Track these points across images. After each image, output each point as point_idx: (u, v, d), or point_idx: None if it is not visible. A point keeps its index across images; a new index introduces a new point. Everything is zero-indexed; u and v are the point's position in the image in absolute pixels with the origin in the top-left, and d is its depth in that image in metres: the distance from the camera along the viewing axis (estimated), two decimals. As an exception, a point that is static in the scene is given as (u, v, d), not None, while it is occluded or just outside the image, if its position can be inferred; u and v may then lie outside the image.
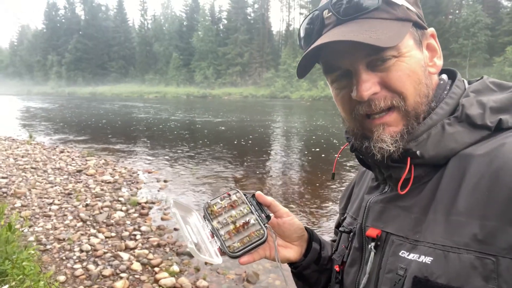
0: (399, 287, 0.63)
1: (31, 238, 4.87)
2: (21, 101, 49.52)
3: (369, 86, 0.65)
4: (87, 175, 8.58)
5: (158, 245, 4.97)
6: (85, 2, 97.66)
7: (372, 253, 0.70)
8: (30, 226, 5.31)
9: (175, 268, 4.30)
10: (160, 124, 21.23)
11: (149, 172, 9.29)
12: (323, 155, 11.90)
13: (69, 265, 4.31)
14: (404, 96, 0.65)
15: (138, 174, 9.06)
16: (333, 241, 0.99)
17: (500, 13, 53.60)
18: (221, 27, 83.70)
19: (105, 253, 4.64)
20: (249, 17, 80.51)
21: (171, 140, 14.95)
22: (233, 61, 73.89)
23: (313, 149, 12.98)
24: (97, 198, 6.81)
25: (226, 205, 0.81)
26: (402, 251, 0.65)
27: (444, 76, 0.75)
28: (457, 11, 58.37)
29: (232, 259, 0.75)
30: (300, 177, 9.06)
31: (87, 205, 6.39)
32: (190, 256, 4.65)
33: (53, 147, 12.62)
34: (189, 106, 38.66)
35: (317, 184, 8.37)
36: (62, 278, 3.96)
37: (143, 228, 5.49)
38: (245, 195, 0.83)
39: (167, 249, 4.88)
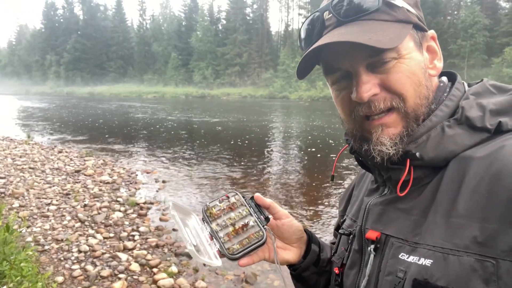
0: None
1: (29, 239, 4.86)
2: (19, 101, 49.40)
3: (369, 87, 0.65)
4: (85, 175, 8.56)
5: (157, 246, 4.96)
6: (84, 2, 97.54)
7: (372, 256, 0.70)
8: (28, 227, 5.29)
9: (174, 269, 4.29)
10: (159, 124, 21.22)
11: (147, 173, 9.28)
12: (318, 155, 11.98)
13: (67, 265, 4.30)
14: (404, 98, 0.65)
15: (137, 175, 9.04)
16: (333, 243, 0.99)
17: (498, 14, 53.82)
18: (220, 27, 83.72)
19: (103, 253, 4.63)
20: (248, 18, 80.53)
21: (170, 140, 14.95)
22: (232, 61, 73.90)
23: (309, 149, 13.07)
24: (95, 199, 6.79)
25: (225, 207, 0.81)
26: (401, 254, 0.64)
27: (444, 79, 0.75)
28: (455, 12, 58.55)
29: (231, 261, 0.75)
30: (296, 178, 9.06)
31: (85, 205, 6.37)
32: (189, 257, 4.65)
33: (51, 147, 12.59)
34: (188, 106, 38.65)
35: (314, 184, 8.39)
36: (60, 279, 3.95)
37: (141, 229, 5.48)
38: (244, 197, 0.83)
39: (166, 250, 4.87)
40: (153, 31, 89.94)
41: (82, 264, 4.34)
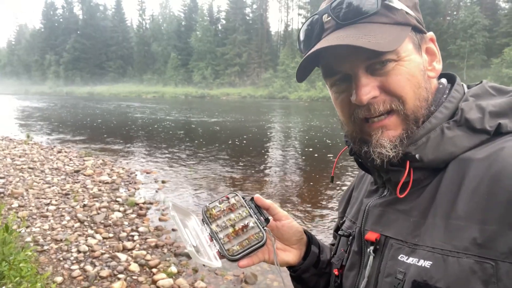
0: None
1: (28, 239, 4.85)
2: (18, 100, 49.34)
3: (368, 90, 0.65)
4: (84, 175, 8.56)
5: (156, 246, 4.96)
6: (83, 1, 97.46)
7: (371, 257, 0.70)
8: (27, 227, 5.29)
9: (173, 269, 4.29)
10: (158, 124, 21.22)
11: (147, 173, 9.28)
12: (316, 155, 12.05)
13: (66, 266, 4.30)
14: (404, 100, 0.65)
15: (136, 175, 9.04)
16: (332, 244, 0.99)
17: (498, 15, 53.88)
18: (220, 27, 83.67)
19: (102, 254, 4.62)
20: (247, 18, 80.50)
21: (169, 140, 14.95)
22: (232, 62, 73.87)
23: (306, 149, 13.16)
24: (94, 199, 6.79)
25: (225, 208, 0.81)
26: (401, 255, 0.65)
27: (444, 80, 0.75)
28: (455, 13, 58.59)
29: (231, 262, 0.75)
30: (294, 178, 9.07)
31: (84, 205, 6.37)
32: (188, 257, 4.64)
33: (51, 147, 12.58)
34: (188, 106, 38.63)
35: (312, 184, 8.41)
36: (59, 279, 3.94)
37: (141, 229, 5.47)
38: (243, 198, 0.83)
39: (165, 250, 4.87)
40: (153, 31, 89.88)
41: (81, 264, 4.34)
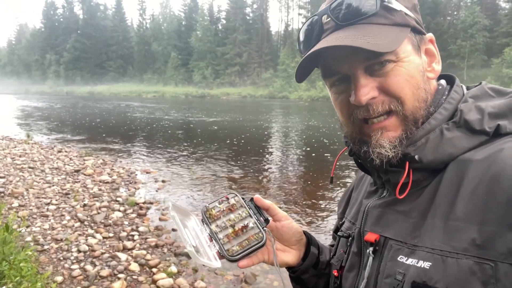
0: None
1: (29, 239, 4.86)
2: (19, 100, 49.35)
3: (367, 90, 0.65)
4: (85, 175, 8.56)
5: (156, 246, 4.96)
6: (84, 1, 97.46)
7: (371, 258, 0.70)
8: (27, 226, 5.29)
9: (173, 269, 4.29)
10: (158, 124, 21.23)
11: (147, 172, 9.28)
12: (313, 154, 12.12)
13: (66, 265, 4.30)
14: (402, 101, 0.65)
15: (136, 174, 9.04)
16: (331, 245, 0.99)
17: (498, 15, 53.84)
18: (220, 27, 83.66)
19: (102, 253, 4.63)
20: (247, 17, 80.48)
21: (169, 140, 14.96)
22: (232, 61, 73.85)
23: (303, 148, 13.23)
24: (95, 198, 6.79)
25: (224, 209, 0.81)
26: (400, 256, 0.65)
27: (443, 82, 0.75)
28: (455, 13, 58.56)
29: (230, 262, 0.75)
30: (291, 178, 9.08)
31: (85, 205, 6.37)
32: (188, 257, 4.65)
33: (51, 147, 12.58)
34: (188, 106, 38.64)
35: (309, 183, 8.45)
36: (59, 278, 3.95)
37: (141, 229, 5.48)
38: (243, 198, 0.83)
39: (165, 250, 4.87)
40: (153, 30, 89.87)
41: (82, 264, 4.34)
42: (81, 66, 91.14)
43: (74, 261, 4.42)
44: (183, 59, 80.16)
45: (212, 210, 0.80)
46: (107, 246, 4.87)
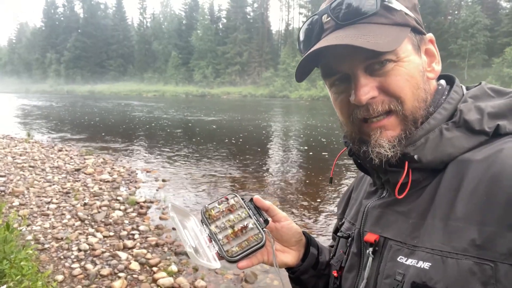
0: None
1: (29, 237, 4.86)
2: (19, 99, 49.39)
3: (367, 90, 0.65)
4: (85, 174, 8.57)
5: (157, 245, 4.96)
6: (84, 0, 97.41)
7: (370, 259, 0.70)
8: (28, 225, 5.30)
9: (173, 268, 4.30)
10: (158, 123, 21.24)
11: (147, 171, 9.29)
12: (310, 153, 12.17)
13: (67, 264, 4.31)
14: (402, 101, 0.65)
15: (137, 173, 9.05)
16: (331, 246, 0.98)
17: (499, 14, 53.73)
18: (220, 26, 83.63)
19: (103, 252, 4.64)
20: (248, 16, 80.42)
21: (170, 139, 14.97)
22: (232, 60, 73.82)
23: (301, 147, 13.29)
24: (95, 197, 6.80)
25: (224, 209, 0.80)
26: (400, 257, 0.64)
27: (443, 82, 0.75)
28: (456, 12, 58.47)
29: (230, 263, 0.75)
30: (289, 177, 9.08)
31: (85, 204, 6.38)
32: (188, 256, 4.65)
33: (51, 146, 12.60)
34: (188, 105, 38.65)
35: (307, 182, 8.49)
36: (60, 277, 3.96)
37: (141, 228, 5.48)
38: (243, 199, 0.83)
39: (166, 249, 4.88)
40: (154, 29, 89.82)
41: (82, 263, 4.35)
42: (82, 65, 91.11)
43: (75, 260, 4.42)
44: (183, 58, 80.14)
45: (212, 210, 0.80)
46: (108, 245, 4.88)
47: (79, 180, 7.98)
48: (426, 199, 0.65)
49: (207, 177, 8.74)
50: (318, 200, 7.14)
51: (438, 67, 0.72)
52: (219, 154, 11.75)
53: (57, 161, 9.77)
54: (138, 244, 4.96)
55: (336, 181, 8.27)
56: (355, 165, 0.80)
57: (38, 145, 12.59)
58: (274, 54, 75.74)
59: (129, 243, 4.91)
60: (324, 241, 5.04)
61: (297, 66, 0.70)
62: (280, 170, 9.84)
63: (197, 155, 11.62)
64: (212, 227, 0.78)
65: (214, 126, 19.63)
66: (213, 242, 0.76)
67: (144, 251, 4.72)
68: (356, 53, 0.64)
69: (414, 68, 0.66)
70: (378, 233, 0.70)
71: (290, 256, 0.89)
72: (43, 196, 6.73)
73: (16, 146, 12.01)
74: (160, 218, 6.03)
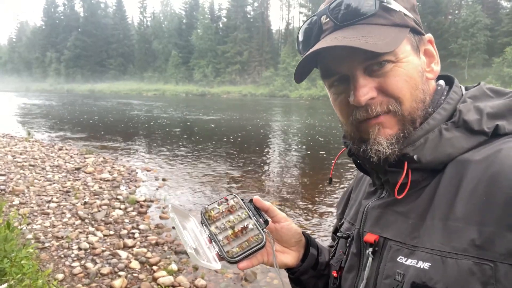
0: None
1: (29, 236, 4.87)
2: (19, 98, 49.37)
3: (366, 91, 0.65)
4: (85, 173, 8.57)
5: (157, 244, 4.97)
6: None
7: (370, 259, 0.70)
8: (28, 224, 5.30)
9: (174, 266, 4.31)
10: (158, 122, 21.24)
11: (147, 170, 9.29)
12: (308, 152, 12.23)
13: (67, 263, 4.31)
14: (401, 101, 0.65)
15: (137, 172, 9.05)
16: (330, 246, 0.98)
17: (499, 14, 53.67)
18: (221, 25, 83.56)
19: (103, 251, 4.64)
20: (248, 16, 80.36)
21: (170, 138, 14.98)
22: (232, 60, 73.79)
23: (298, 146, 13.38)
24: (95, 196, 6.80)
25: (224, 210, 0.80)
26: (400, 257, 0.65)
27: (442, 82, 0.75)
28: (456, 11, 58.41)
29: (230, 264, 0.75)
30: (286, 177, 9.09)
31: (85, 203, 6.38)
32: (189, 256, 4.65)
33: (52, 145, 12.60)
34: (188, 104, 38.64)
35: (305, 181, 8.51)
36: (60, 276, 3.96)
37: (141, 227, 5.49)
38: (242, 200, 0.83)
39: (166, 248, 4.89)
40: (154, 28, 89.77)
41: (82, 262, 4.35)
42: (82, 64, 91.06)
43: (75, 258, 4.43)
44: (183, 57, 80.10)
45: (211, 211, 0.80)
46: (108, 244, 4.89)
47: (79, 179, 7.98)
48: (426, 199, 0.65)
49: (206, 176, 8.75)
50: (317, 200, 7.14)
51: (437, 67, 0.72)
52: (218, 153, 11.78)
53: (57, 160, 9.77)
54: (138, 243, 4.96)
55: (335, 181, 8.27)
56: (354, 165, 0.80)
57: (38, 144, 12.59)
58: (274, 53, 75.67)
59: (129, 242, 4.92)
60: (324, 241, 5.05)
61: (296, 67, 0.70)
62: (278, 169, 9.85)
63: (196, 154, 11.64)
64: (212, 228, 0.78)
65: (212, 125, 19.68)
66: (213, 243, 0.76)
67: (144, 250, 4.73)
68: (355, 54, 0.64)
69: (413, 69, 0.66)
70: (378, 233, 0.70)
71: (290, 257, 0.89)
72: (43, 195, 6.73)
73: (16, 145, 12.01)
74: (160, 217, 6.04)
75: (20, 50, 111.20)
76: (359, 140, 0.71)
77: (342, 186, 7.87)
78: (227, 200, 0.82)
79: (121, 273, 4.15)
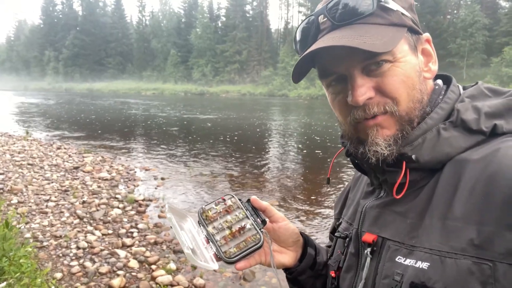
0: None
1: (28, 235, 4.86)
2: (17, 96, 49.24)
3: (364, 91, 0.65)
4: (84, 172, 8.56)
5: (155, 243, 4.97)
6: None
7: (368, 259, 0.70)
8: (26, 223, 5.29)
9: (172, 265, 4.31)
10: (157, 121, 21.21)
11: (146, 170, 9.28)
12: (304, 151, 12.32)
13: (65, 262, 4.31)
14: (397, 101, 0.65)
15: (135, 172, 9.04)
16: (328, 246, 0.98)
17: (498, 14, 53.75)
18: (220, 24, 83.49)
19: (102, 250, 4.64)
20: (247, 15, 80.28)
21: (168, 138, 14.97)
22: (231, 59, 73.72)
23: (295, 145, 13.44)
24: (94, 195, 6.79)
25: (221, 210, 0.80)
26: (398, 257, 0.64)
27: (439, 81, 0.75)
28: (455, 11, 58.47)
29: (228, 264, 0.74)
30: (284, 176, 9.09)
31: (84, 202, 6.37)
32: (186, 257, 4.65)
33: (50, 144, 12.57)
34: (186, 103, 38.60)
35: (303, 180, 8.53)
36: (58, 275, 3.96)
37: (140, 226, 5.48)
38: (240, 200, 0.82)
39: (164, 247, 4.88)
40: (153, 27, 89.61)
41: (81, 261, 4.35)
42: (80, 62, 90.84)
43: (73, 257, 4.42)
44: (182, 56, 79.99)
45: (209, 211, 0.80)
46: (106, 243, 4.88)
47: (78, 178, 7.97)
48: (424, 199, 0.65)
49: (204, 175, 8.75)
50: (315, 200, 7.14)
51: (434, 67, 0.72)
52: (216, 152, 11.81)
53: (56, 159, 9.75)
54: (137, 242, 4.96)
55: (332, 181, 8.28)
56: (351, 165, 0.80)
57: (36, 143, 12.57)
58: (273, 52, 75.63)
59: (128, 241, 4.91)
60: (323, 241, 5.05)
61: (293, 67, 0.70)
62: (276, 169, 9.85)
63: (194, 153, 11.65)
64: (210, 228, 0.77)
65: (209, 124, 19.70)
66: (210, 243, 0.76)
67: (143, 249, 4.72)
68: (353, 54, 0.64)
69: (411, 69, 0.66)
70: (376, 233, 0.70)
71: (288, 257, 0.88)
72: (41, 194, 6.72)
73: (14, 143, 11.98)
74: (159, 216, 6.03)
75: (18, 48, 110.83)
76: (357, 140, 0.71)
77: (339, 185, 7.88)
78: (224, 200, 0.82)
79: (119, 272, 4.15)
